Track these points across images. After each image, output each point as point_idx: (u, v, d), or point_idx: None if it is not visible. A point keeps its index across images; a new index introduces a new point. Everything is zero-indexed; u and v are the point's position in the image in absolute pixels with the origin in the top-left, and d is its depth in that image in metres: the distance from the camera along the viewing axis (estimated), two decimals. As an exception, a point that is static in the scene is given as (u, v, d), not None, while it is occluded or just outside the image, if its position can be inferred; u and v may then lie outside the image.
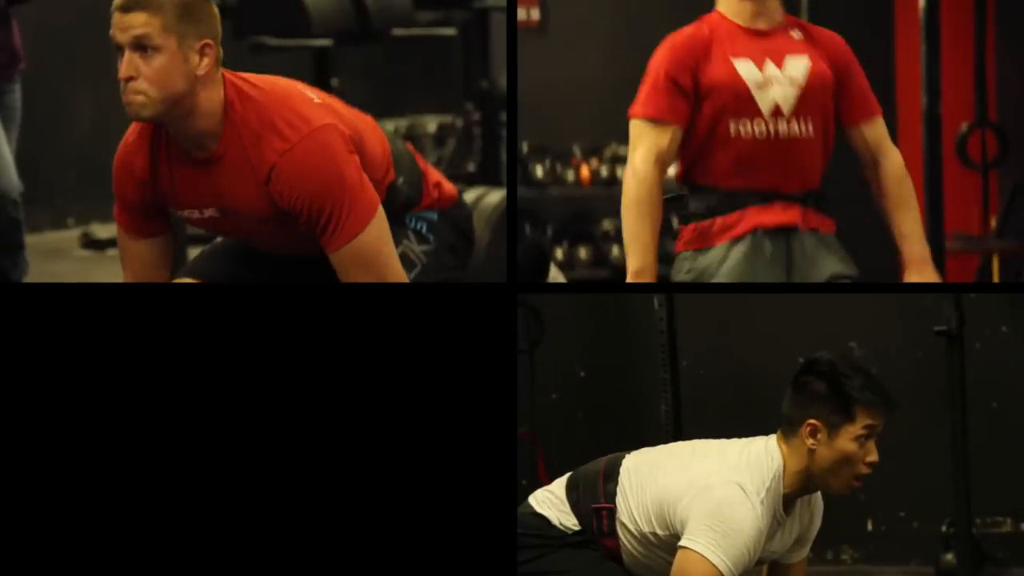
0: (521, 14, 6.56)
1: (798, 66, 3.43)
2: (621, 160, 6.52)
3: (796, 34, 3.49)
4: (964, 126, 5.99)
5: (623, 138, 6.41)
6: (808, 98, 3.43)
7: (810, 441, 2.78)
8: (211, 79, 3.03)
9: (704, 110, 3.41)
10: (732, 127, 3.41)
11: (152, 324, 3.10)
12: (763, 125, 3.42)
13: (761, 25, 3.47)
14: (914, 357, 4.81)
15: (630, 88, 6.45)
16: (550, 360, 4.68)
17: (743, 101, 3.41)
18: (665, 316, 4.23)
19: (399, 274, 3.15)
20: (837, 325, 4.51)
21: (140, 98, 2.98)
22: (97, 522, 3.07)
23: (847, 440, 2.79)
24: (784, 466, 2.82)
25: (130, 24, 2.97)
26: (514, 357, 2.57)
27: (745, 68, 3.43)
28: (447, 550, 3.10)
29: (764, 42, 3.46)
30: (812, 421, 2.77)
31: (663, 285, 4.17)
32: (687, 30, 3.49)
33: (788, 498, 2.84)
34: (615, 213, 6.31)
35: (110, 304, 3.11)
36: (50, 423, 3.05)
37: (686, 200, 3.47)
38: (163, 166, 3.12)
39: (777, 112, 3.41)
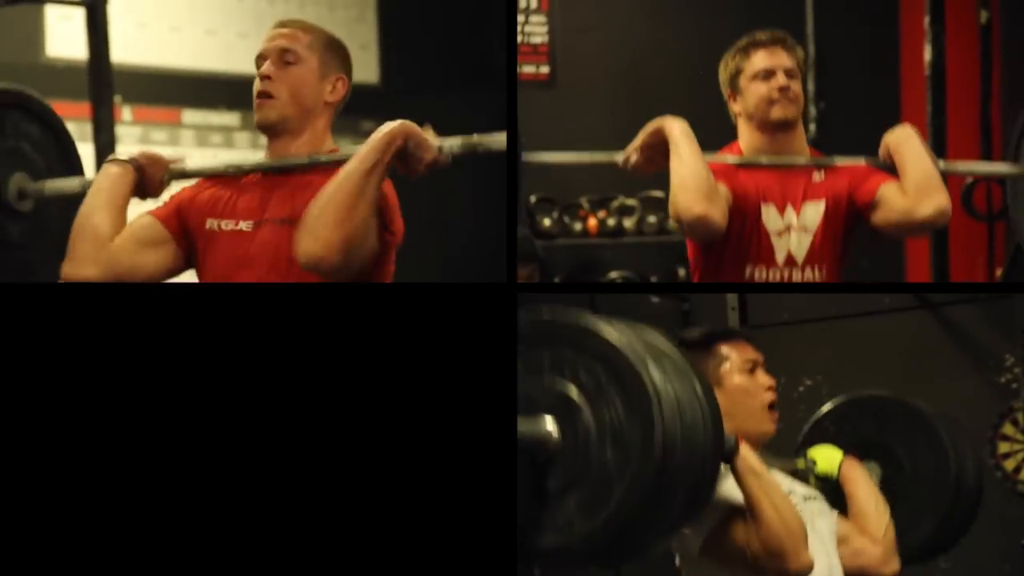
0: (530, 68, 6.77)
1: (814, 213, 3.58)
2: (628, 211, 6.68)
3: (818, 176, 3.62)
4: (969, 178, 6.05)
5: (629, 190, 6.61)
6: (820, 245, 3.57)
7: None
8: (330, 115, 3.26)
9: (726, 249, 3.54)
10: (748, 271, 3.56)
11: (155, 324, 3.17)
12: (777, 274, 3.56)
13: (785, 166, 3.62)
14: (1002, 570, 5.06)
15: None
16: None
17: (763, 248, 3.55)
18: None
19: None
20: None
21: (270, 100, 3.19)
22: (92, 523, 3.12)
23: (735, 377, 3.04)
24: None
25: (280, 36, 3.23)
26: (514, 358, 2.64)
27: (767, 213, 3.56)
28: (445, 554, 3.16)
29: (786, 184, 3.60)
30: None
31: (669, 285, 4.25)
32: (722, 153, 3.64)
33: None
34: (622, 264, 6.49)
35: (101, 304, 3.18)
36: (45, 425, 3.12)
37: None
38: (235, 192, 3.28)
39: (790, 261, 3.56)
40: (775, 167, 3.60)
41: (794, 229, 3.55)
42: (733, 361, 3.05)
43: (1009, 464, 5.57)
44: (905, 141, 3.58)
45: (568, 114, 6.78)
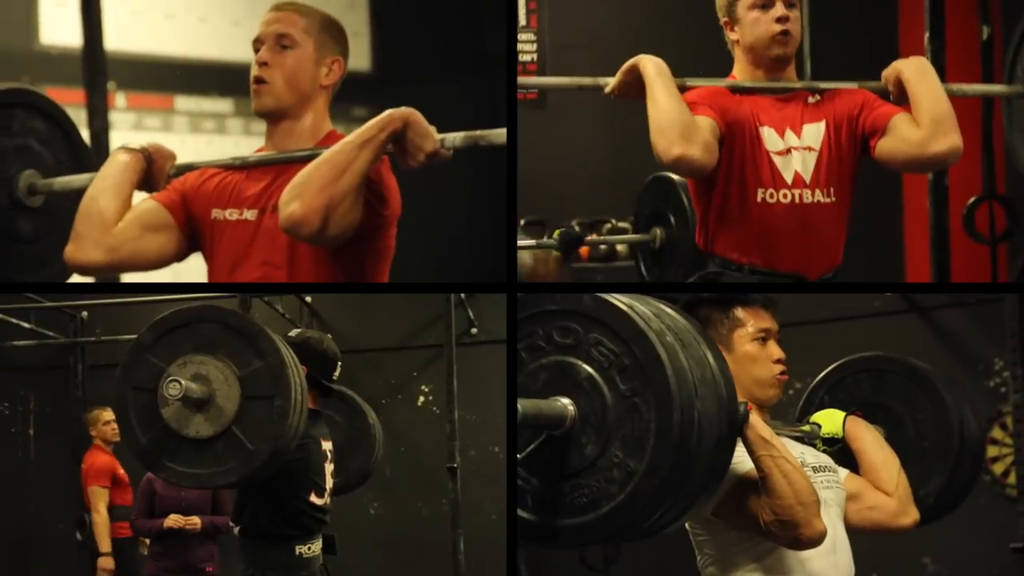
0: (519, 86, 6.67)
1: (815, 133, 3.56)
2: (619, 234, 6.58)
3: (813, 99, 3.61)
4: (972, 199, 6.01)
5: (621, 213, 6.51)
6: (827, 166, 3.55)
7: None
8: (327, 97, 3.31)
9: (731, 178, 3.52)
10: (759, 195, 3.53)
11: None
12: (788, 195, 3.53)
13: (779, 93, 3.61)
14: (990, 574, 5.10)
15: (628, 163, 6.58)
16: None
17: (768, 170, 3.53)
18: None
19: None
20: (911, 542, 4.05)
21: (266, 86, 3.23)
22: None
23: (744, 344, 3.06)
24: None
25: (276, 20, 3.29)
26: (514, 356, 2.61)
27: (766, 135, 3.55)
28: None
29: (782, 109, 3.59)
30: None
31: (669, 285, 4.19)
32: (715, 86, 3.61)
33: None
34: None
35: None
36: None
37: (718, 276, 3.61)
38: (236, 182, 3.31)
39: (799, 181, 3.53)
40: (769, 92, 3.60)
41: (796, 149, 3.53)
42: (747, 328, 3.07)
43: (998, 468, 5.59)
44: (923, 75, 3.52)
45: (558, 133, 6.71)
